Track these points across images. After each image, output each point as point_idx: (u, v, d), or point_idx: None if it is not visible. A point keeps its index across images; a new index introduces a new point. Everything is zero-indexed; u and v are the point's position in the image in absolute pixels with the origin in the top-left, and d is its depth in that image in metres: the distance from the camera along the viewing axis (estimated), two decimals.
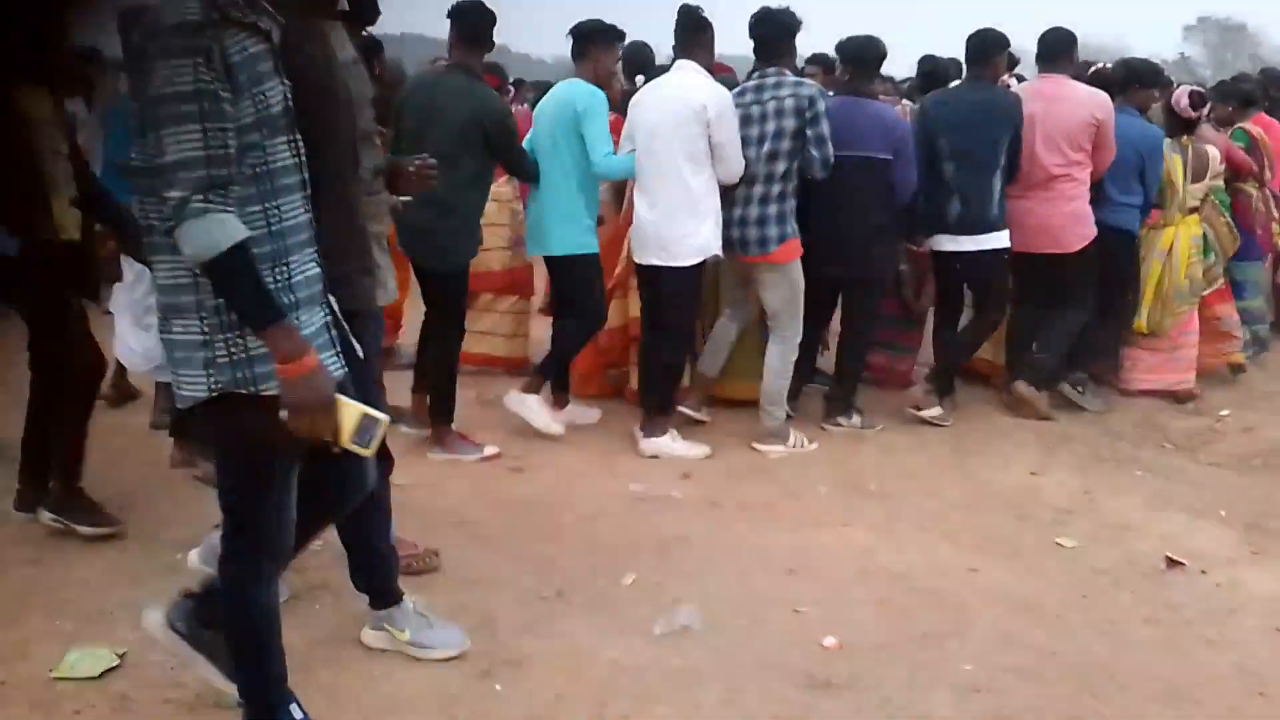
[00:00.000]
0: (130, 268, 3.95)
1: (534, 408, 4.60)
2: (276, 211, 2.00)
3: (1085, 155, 4.89)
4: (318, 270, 2.11)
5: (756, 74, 4.56)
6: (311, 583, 3.24)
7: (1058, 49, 5.05)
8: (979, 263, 4.86)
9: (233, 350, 1.95)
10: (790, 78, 4.51)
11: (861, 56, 4.82)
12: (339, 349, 2.15)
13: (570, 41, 4.62)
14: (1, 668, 2.72)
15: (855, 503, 4.11)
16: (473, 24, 4.23)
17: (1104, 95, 4.95)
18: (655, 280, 4.52)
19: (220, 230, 1.83)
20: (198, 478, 3.99)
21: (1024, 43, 5.49)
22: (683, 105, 4.27)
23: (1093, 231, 4.94)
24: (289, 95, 2.02)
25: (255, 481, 2.12)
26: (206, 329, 1.95)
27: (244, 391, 1.97)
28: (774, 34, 4.52)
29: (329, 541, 3.48)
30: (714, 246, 4.39)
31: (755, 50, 4.61)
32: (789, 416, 4.73)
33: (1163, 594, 3.39)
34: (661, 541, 3.68)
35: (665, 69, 4.88)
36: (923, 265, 5.36)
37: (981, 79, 4.93)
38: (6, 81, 3.25)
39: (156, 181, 1.89)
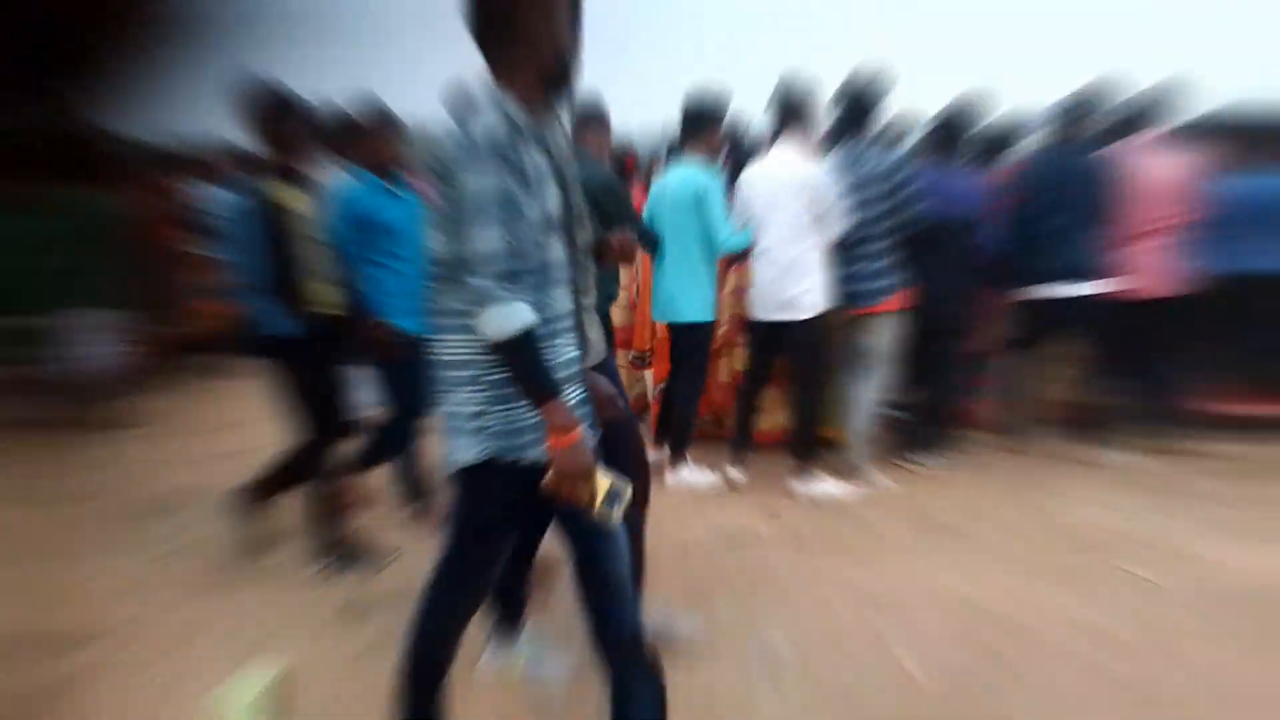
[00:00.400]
0: None
1: (688, 476, 5.15)
2: (550, 301, 2.22)
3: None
4: (577, 354, 2.33)
5: (849, 142, 4.99)
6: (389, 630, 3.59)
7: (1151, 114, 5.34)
8: (1079, 308, 5.17)
9: (504, 421, 2.21)
10: (876, 146, 4.97)
11: (949, 124, 5.30)
12: (591, 423, 2.41)
13: (681, 121, 5.04)
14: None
15: (930, 538, 4.35)
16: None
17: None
18: (781, 334, 4.97)
19: (516, 315, 2.07)
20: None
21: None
22: (794, 181, 4.81)
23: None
24: (560, 198, 2.31)
25: (486, 539, 2.37)
26: (481, 401, 2.21)
27: (508, 459, 2.22)
28: (864, 104, 4.96)
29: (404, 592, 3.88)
30: (824, 302, 4.88)
31: (842, 119, 5.05)
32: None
33: (1245, 623, 3.51)
34: (747, 573, 3.99)
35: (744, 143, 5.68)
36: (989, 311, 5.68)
37: (1074, 139, 5.23)
38: (265, 182, 3.79)
39: (456, 270, 2.16)
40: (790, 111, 4.92)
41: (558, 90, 2.29)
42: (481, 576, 2.43)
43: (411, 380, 4.23)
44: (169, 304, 7.52)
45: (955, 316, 5.24)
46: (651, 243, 4.92)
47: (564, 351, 2.28)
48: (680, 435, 5.21)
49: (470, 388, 2.23)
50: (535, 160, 2.18)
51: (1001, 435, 5.39)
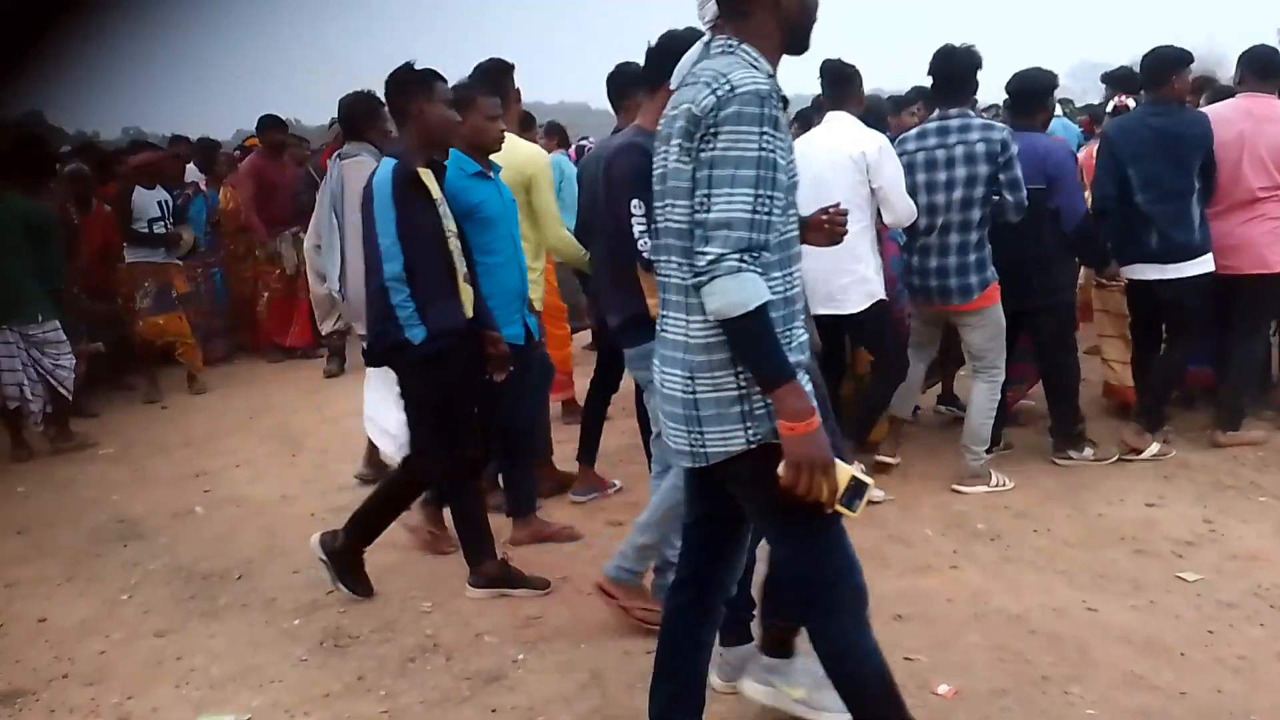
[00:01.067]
0: None
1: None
2: (790, 278, 2.07)
3: None
4: (806, 338, 2.15)
5: (937, 116, 4.52)
6: (423, 645, 3.30)
7: (1271, 67, 4.85)
8: (1181, 289, 4.71)
9: (769, 402, 1.98)
10: (976, 120, 4.44)
11: (1021, 90, 4.79)
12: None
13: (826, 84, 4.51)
14: None
15: (965, 544, 4.00)
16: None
17: None
18: (836, 329, 4.54)
19: (752, 289, 1.89)
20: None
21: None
22: (843, 154, 4.29)
23: None
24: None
25: (814, 526, 2.09)
26: (744, 383, 2.01)
27: (776, 442, 1.99)
28: (959, 73, 4.44)
29: (438, 602, 3.58)
30: (880, 290, 4.42)
31: (935, 90, 4.60)
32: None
33: None
34: None
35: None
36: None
37: (1163, 100, 4.75)
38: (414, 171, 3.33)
39: (688, 241, 2.00)
40: (842, 80, 4.48)
41: (797, 51, 2.09)
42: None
43: (519, 392, 3.92)
44: (114, 316, 7.07)
45: (1046, 293, 4.65)
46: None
47: (798, 335, 2.10)
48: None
49: (730, 370, 2.00)
50: (783, 122, 1.99)
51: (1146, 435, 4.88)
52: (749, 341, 1.93)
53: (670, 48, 2.82)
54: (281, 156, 8.10)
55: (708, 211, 1.91)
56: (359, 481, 4.93)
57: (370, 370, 4.20)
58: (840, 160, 4.28)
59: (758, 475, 2.03)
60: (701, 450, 2.06)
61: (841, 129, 4.39)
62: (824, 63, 4.51)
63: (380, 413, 4.28)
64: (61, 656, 3.37)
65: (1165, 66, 4.75)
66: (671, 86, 2.12)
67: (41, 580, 4.07)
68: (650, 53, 3.08)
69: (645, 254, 3.01)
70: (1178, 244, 4.66)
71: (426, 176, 3.35)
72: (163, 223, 6.96)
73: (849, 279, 4.35)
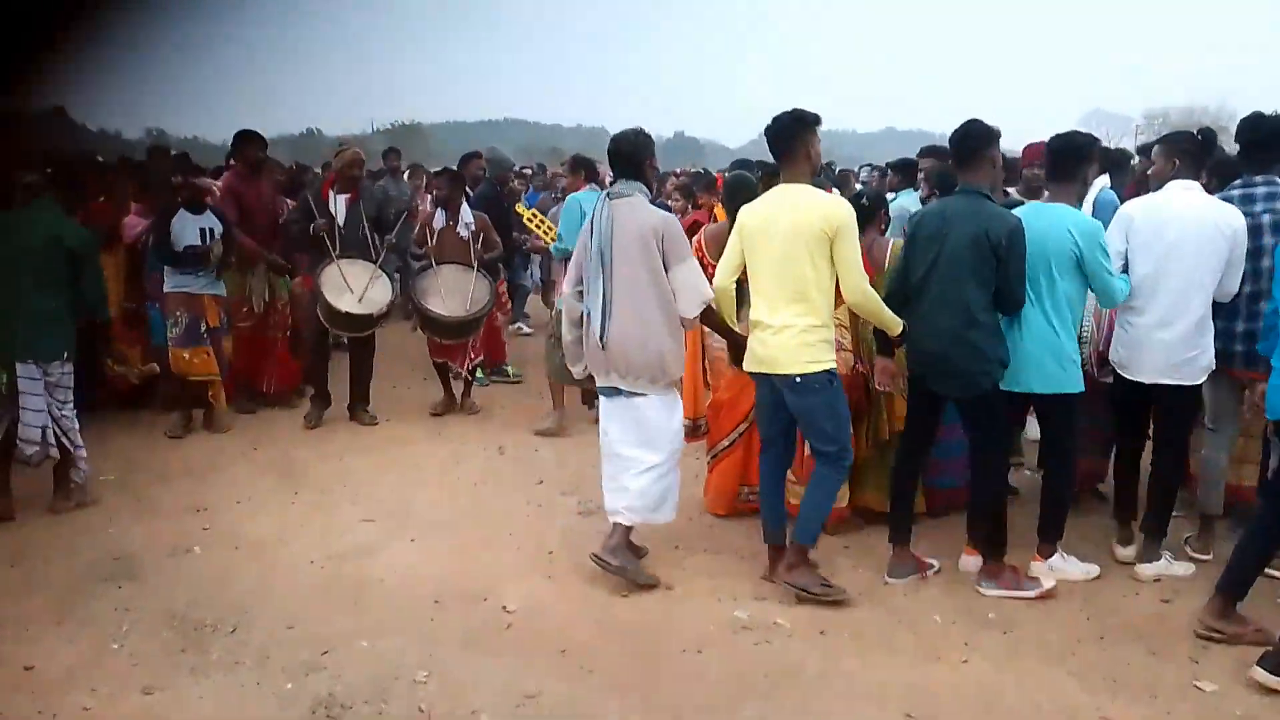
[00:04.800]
0: None
1: (1064, 566, 4.39)
2: None
3: None
4: None
5: (1242, 182, 4.43)
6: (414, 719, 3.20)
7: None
8: None
9: None
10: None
11: (1187, 149, 4.52)
12: None
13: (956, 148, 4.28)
14: None
15: (974, 633, 3.90)
16: (965, 149, 4.20)
17: None
18: (1159, 398, 4.40)
19: None
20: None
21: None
22: (1210, 225, 4.19)
23: None
24: None
25: None
26: None
27: None
28: (1264, 140, 4.39)
29: (434, 670, 3.49)
30: (1213, 362, 4.31)
31: (1242, 156, 4.49)
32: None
33: None
34: (770, 675, 3.56)
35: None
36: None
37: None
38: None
39: None
40: (1195, 150, 4.39)
41: None
42: None
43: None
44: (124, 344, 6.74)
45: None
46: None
47: None
48: (1058, 521, 4.40)
49: None
50: None
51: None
52: None
53: None
54: (260, 175, 7.37)
55: None
56: (595, 559, 4.33)
57: (611, 431, 4.32)
58: (1207, 231, 4.19)
59: None
60: None
61: (1203, 200, 4.29)
62: (1178, 134, 4.55)
63: (622, 480, 4.29)
64: (45, 710, 3.29)
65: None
66: None
67: (31, 620, 3.96)
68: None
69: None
70: None
71: None
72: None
73: (1195, 351, 4.25)
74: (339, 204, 6.86)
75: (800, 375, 4.03)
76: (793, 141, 4.09)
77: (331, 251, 6.73)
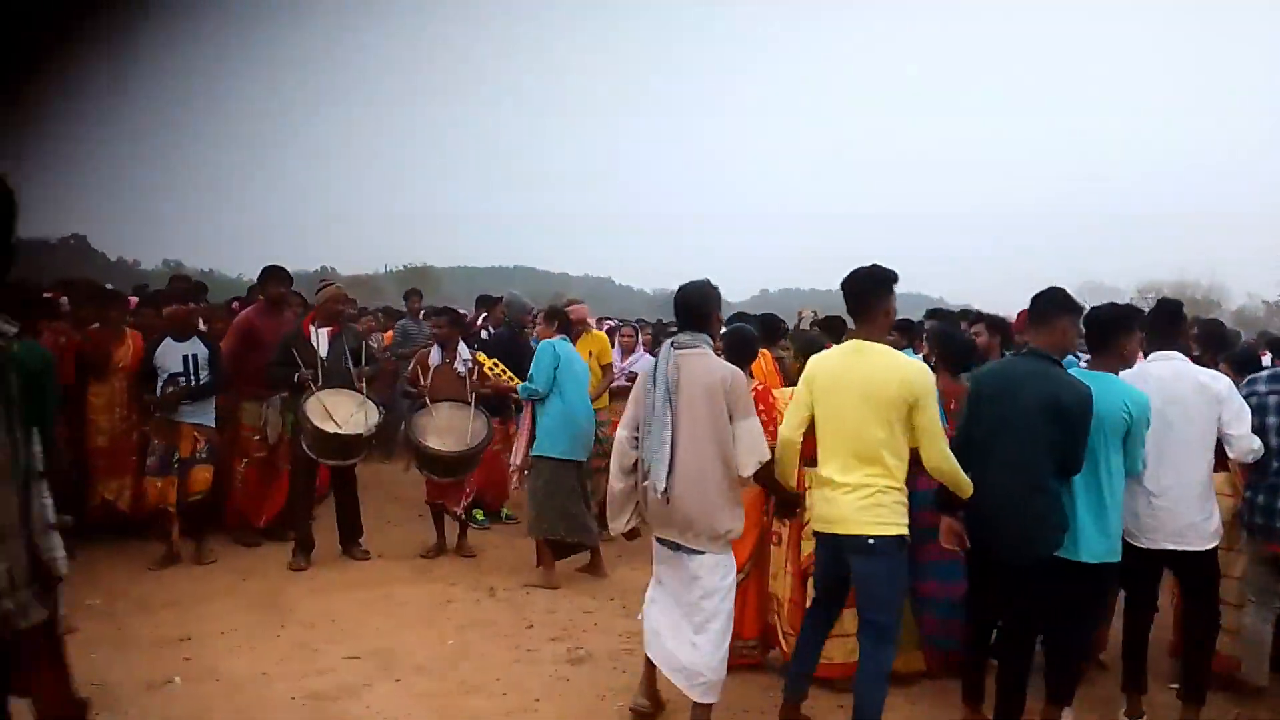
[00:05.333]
0: None
1: None
2: None
3: None
4: None
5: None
6: None
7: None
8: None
9: None
10: None
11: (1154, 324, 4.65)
12: None
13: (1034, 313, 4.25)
14: None
15: None
16: (1041, 310, 4.19)
17: None
18: (1157, 565, 4.44)
19: None
20: None
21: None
22: (1209, 394, 4.32)
23: None
24: None
25: None
26: None
27: None
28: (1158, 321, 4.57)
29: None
30: (1220, 528, 4.38)
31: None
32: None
33: None
34: None
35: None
36: None
37: None
38: None
39: None
40: (1174, 320, 4.57)
41: None
42: None
43: None
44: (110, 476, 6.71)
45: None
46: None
47: None
48: (1070, 682, 4.30)
49: None
50: None
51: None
52: None
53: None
54: (282, 312, 7.56)
55: None
56: (634, 715, 4.41)
57: (656, 598, 4.31)
58: (1206, 399, 4.32)
59: None
60: None
61: (1192, 370, 4.42)
62: (1160, 302, 4.70)
63: (676, 644, 4.18)
64: None
65: None
66: None
67: None
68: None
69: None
70: None
71: None
72: (185, 378, 6.63)
73: (1201, 516, 4.28)
74: (321, 338, 6.91)
75: (873, 537, 3.82)
76: (870, 298, 3.98)
77: (314, 389, 6.68)
